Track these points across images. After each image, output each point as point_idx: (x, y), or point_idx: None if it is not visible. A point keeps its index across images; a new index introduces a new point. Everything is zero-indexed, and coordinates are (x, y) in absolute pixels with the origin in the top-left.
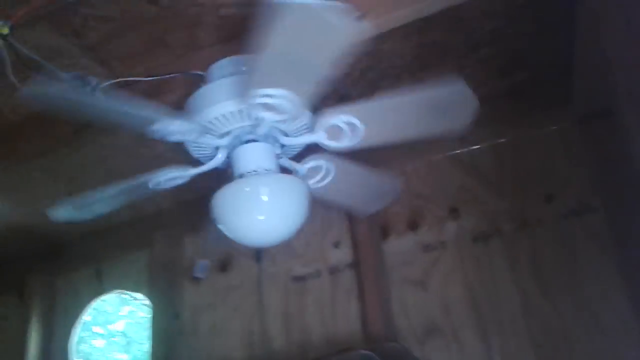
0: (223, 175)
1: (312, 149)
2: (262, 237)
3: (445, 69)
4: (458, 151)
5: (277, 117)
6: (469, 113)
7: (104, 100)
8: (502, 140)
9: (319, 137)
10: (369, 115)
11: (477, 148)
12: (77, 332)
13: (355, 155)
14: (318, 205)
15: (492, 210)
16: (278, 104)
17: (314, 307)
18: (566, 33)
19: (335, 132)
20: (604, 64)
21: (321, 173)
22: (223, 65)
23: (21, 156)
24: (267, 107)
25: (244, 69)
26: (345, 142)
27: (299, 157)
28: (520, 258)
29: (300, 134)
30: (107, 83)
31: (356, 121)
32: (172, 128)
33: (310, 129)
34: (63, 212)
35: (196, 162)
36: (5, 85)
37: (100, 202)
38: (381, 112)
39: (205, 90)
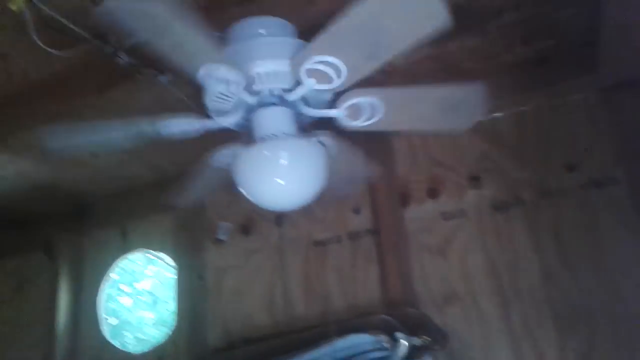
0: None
1: (320, 123)
2: (281, 200)
3: (468, 35)
4: (479, 119)
5: (320, 86)
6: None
7: (179, 25)
8: (524, 108)
9: (339, 113)
10: (390, 101)
11: (499, 116)
12: (105, 289)
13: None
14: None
15: (513, 179)
16: (329, 73)
17: (334, 271)
18: (592, 0)
19: (354, 111)
20: (630, 33)
21: (365, 111)
22: (251, 24)
23: (46, 116)
24: (314, 74)
25: (268, 30)
26: (361, 122)
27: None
28: (541, 228)
29: (323, 107)
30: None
31: (378, 104)
32: (221, 71)
33: (332, 104)
34: (60, 138)
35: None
36: (29, 45)
37: (101, 134)
38: (401, 101)
39: (251, 45)
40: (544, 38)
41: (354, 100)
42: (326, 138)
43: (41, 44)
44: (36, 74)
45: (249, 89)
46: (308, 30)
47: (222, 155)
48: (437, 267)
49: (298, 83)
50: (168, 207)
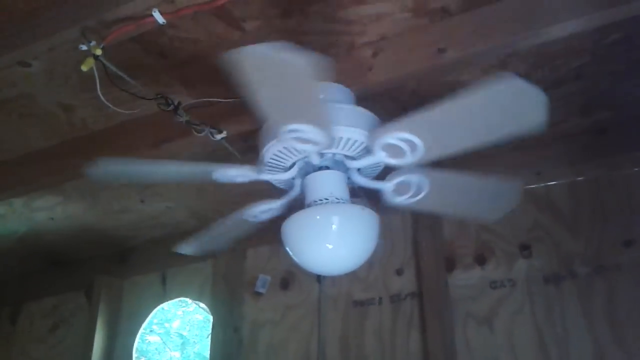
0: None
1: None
2: (328, 266)
3: None
4: (533, 185)
5: (390, 160)
6: (541, 111)
7: (163, 166)
8: (580, 178)
9: (380, 157)
10: (424, 127)
11: (554, 184)
12: (140, 335)
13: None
14: (383, 228)
15: (566, 251)
16: (404, 150)
17: (373, 334)
18: None
19: (395, 149)
20: None
21: (412, 188)
22: (332, 89)
23: None
24: (389, 148)
25: (322, 96)
26: (408, 159)
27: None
28: (594, 304)
29: (362, 156)
30: (188, 103)
31: (411, 137)
32: (231, 173)
33: (369, 149)
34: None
35: (280, 191)
36: (90, 98)
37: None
38: (437, 122)
39: (335, 110)
40: (603, 109)
41: (385, 141)
42: (413, 176)
43: (105, 101)
44: (97, 126)
45: (277, 168)
46: (364, 97)
47: (258, 210)
48: (481, 337)
49: (367, 153)
50: (207, 255)
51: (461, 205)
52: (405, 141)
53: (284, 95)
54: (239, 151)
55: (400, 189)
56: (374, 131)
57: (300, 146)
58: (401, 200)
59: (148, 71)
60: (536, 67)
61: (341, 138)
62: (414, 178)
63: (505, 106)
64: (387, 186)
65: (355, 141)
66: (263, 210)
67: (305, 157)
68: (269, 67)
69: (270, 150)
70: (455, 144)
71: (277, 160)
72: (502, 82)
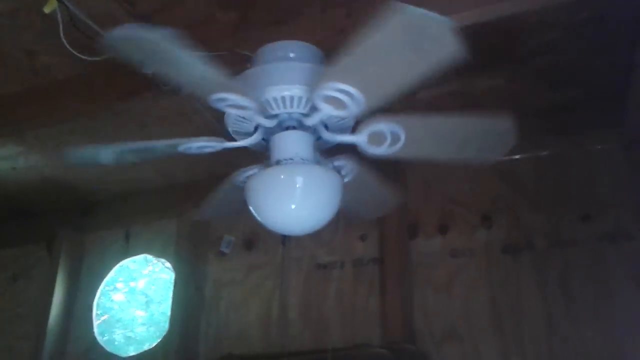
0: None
1: (341, 149)
2: (291, 226)
3: (496, 74)
4: (503, 154)
5: (336, 113)
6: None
7: (184, 56)
8: (545, 153)
9: (360, 139)
10: (412, 129)
11: (518, 158)
12: (101, 290)
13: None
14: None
15: (526, 224)
16: (345, 101)
17: (335, 297)
18: (626, 54)
19: (375, 138)
20: None
21: (387, 137)
22: (274, 48)
23: (63, 113)
24: (331, 100)
25: (291, 55)
26: (383, 150)
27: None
28: (549, 276)
29: (343, 133)
30: None
31: (401, 132)
32: (232, 99)
33: (353, 130)
34: (80, 155)
35: (230, 137)
36: (56, 44)
37: (120, 152)
38: (424, 129)
39: (267, 69)
40: (573, 86)
41: (375, 127)
42: (345, 163)
43: (68, 46)
44: (60, 73)
45: (265, 113)
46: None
47: (243, 175)
48: (439, 303)
49: (315, 109)
50: (174, 213)
51: (450, 149)
52: (339, 90)
53: (178, 72)
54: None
55: (376, 140)
56: (310, 85)
57: (234, 112)
58: (380, 151)
59: (115, 19)
60: (509, 39)
61: (277, 97)
62: (384, 127)
63: (413, 39)
64: (359, 139)
65: (296, 98)
66: (202, 145)
67: (295, 112)
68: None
69: (227, 117)
70: (387, 84)
71: (237, 125)
72: (399, 14)
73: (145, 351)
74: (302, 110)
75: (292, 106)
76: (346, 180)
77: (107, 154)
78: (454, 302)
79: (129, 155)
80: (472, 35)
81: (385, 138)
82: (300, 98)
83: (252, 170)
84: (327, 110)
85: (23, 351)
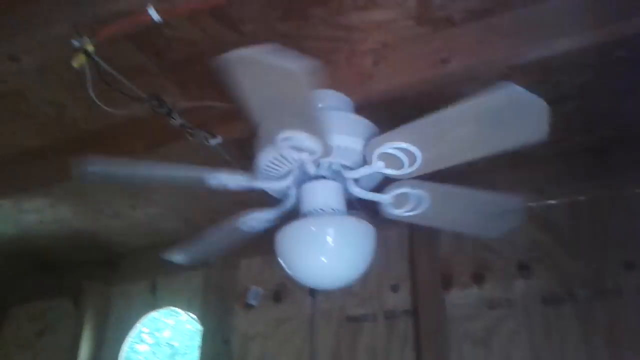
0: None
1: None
2: (322, 279)
3: None
4: (533, 204)
5: (388, 171)
6: (542, 121)
7: (154, 169)
8: (581, 197)
9: (377, 167)
10: (422, 136)
11: (554, 203)
12: (128, 343)
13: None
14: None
15: (565, 272)
16: (403, 161)
17: (366, 351)
18: None
19: (393, 160)
20: None
21: (411, 201)
22: (332, 96)
23: None
24: (387, 158)
25: (320, 104)
26: (406, 170)
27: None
28: (594, 328)
29: (359, 166)
30: (183, 105)
31: (409, 146)
32: (224, 179)
33: (366, 159)
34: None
35: (276, 200)
36: (83, 97)
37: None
38: (435, 131)
39: (332, 117)
40: (606, 128)
41: (381, 150)
42: (411, 189)
43: (97, 100)
44: (88, 125)
45: (272, 175)
46: (364, 106)
47: (252, 218)
48: (478, 358)
49: (364, 163)
50: (198, 264)
51: (461, 221)
52: (402, 151)
53: (276, 101)
54: (234, 158)
55: (398, 202)
56: (372, 140)
57: (295, 154)
58: (399, 213)
59: (142, 71)
60: (539, 82)
61: (338, 146)
62: (413, 191)
63: (505, 116)
64: (385, 198)
65: (352, 150)
66: (257, 219)
67: (301, 165)
68: (261, 72)
69: (265, 158)
70: (454, 154)
71: (271, 167)
72: (501, 91)
73: None
74: (347, 162)
75: (343, 157)
76: (423, 208)
77: (125, 169)
78: (494, 357)
79: (150, 174)
80: (502, 78)
81: (409, 202)
82: (355, 151)
83: (259, 214)
84: (378, 167)
85: None
